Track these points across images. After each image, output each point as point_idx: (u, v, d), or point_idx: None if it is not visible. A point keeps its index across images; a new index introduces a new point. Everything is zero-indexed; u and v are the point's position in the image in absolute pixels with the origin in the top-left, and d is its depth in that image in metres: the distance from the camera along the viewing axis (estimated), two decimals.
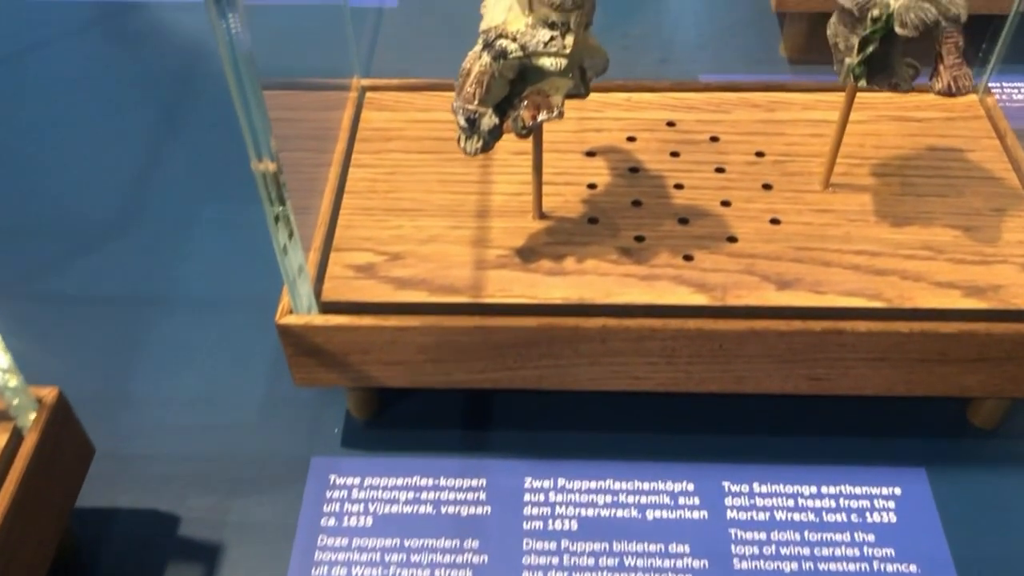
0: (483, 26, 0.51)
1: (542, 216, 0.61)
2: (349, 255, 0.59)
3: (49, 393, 0.53)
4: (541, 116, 0.52)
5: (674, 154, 0.65)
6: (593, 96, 0.68)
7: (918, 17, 0.50)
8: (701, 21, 0.98)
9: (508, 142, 0.64)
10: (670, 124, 0.68)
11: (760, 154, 0.65)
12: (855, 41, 0.52)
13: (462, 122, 0.52)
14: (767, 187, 0.63)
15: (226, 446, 0.64)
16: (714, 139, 0.66)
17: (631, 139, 0.67)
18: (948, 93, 0.52)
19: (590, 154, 0.66)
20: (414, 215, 0.62)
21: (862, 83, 0.54)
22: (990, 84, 0.69)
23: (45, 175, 0.84)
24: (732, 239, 0.60)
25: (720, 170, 0.64)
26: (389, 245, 0.60)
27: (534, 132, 0.55)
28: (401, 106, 0.70)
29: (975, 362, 0.57)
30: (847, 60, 0.53)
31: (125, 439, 0.65)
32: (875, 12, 0.51)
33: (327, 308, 0.57)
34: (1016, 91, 0.89)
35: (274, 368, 0.68)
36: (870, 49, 0.52)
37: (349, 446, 0.64)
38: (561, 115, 0.52)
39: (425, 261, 0.59)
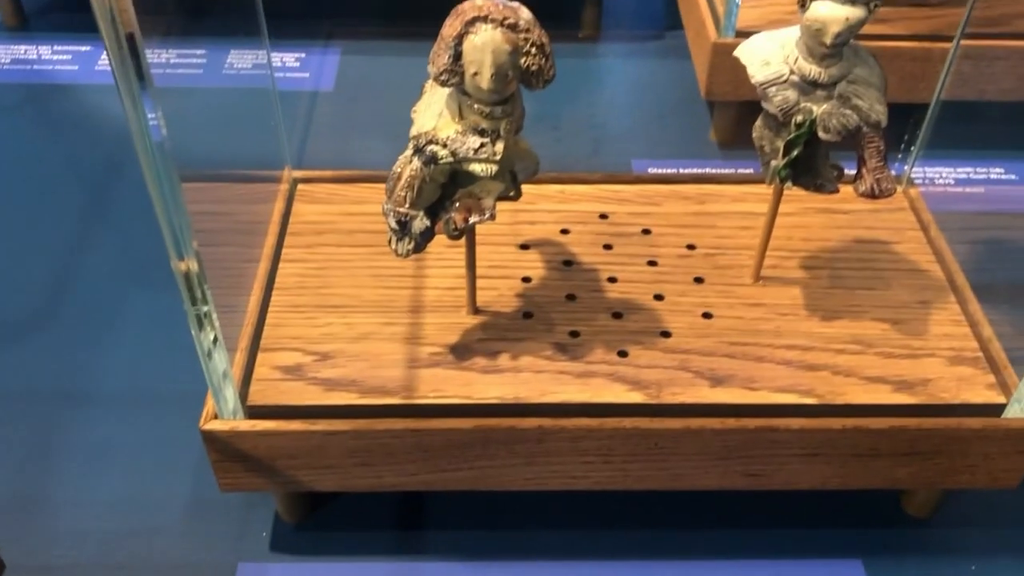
0: (413, 131, 0.50)
1: (476, 311, 0.61)
2: (277, 355, 0.58)
3: None
4: (473, 219, 0.51)
5: (607, 247, 0.66)
6: (526, 189, 0.68)
7: (840, 123, 0.51)
8: (632, 108, 1.00)
9: (442, 237, 0.63)
10: (603, 216, 0.68)
11: (691, 247, 0.66)
12: (780, 144, 0.53)
13: (393, 224, 0.52)
14: (699, 280, 0.63)
15: (149, 552, 0.61)
16: (646, 231, 0.67)
17: (564, 231, 0.67)
18: (871, 195, 0.53)
19: (524, 247, 0.66)
20: (345, 312, 0.61)
21: (788, 184, 0.55)
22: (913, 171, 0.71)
23: None
24: (666, 334, 0.60)
25: (652, 263, 0.64)
26: (319, 344, 0.59)
27: (466, 233, 0.54)
28: (334, 198, 0.69)
29: (906, 456, 0.57)
30: (773, 163, 0.54)
31: (40, 548, 0.61)
32: (799, 118, 0.52)
33: (253, 413, 0.55)
34: (938, 176, 0.92)
35: (200, 469, 0.66)
36: (795, 152, 0.53)
37: (278, 551, 0.62)
38: (493, 217, 0.52)
39: (356, 360, 0.58)
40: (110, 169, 0.91)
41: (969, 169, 0.93)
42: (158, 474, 0.66)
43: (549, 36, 0.47)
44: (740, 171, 0.73)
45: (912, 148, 0.71)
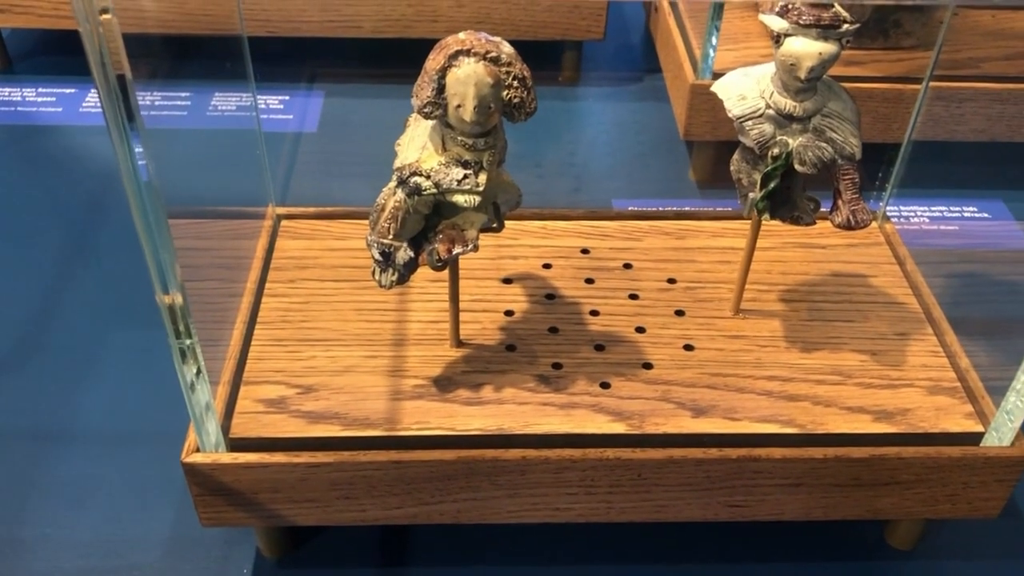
0: (397, 163, 0.51)
1: (459, 344, 0.61)
2: (260, 388, 0.58)
3: None
4: (456, 250, 0.52)
5: (589, 281, 0.66)
6: (509, 224, 0.69)
7: (815, 155, 0.53)
8: (613, 149, 1.01)
9: (426, 270, 0.64)
10: (584, 251, 0.69)
11: (672, 281, 0.66)
12: (757, 177, 0.54)
13: (377, 256, 0.52)
14: (679, 313, 0.64)
15: None
16: (627, 266, 0.68)
17: (547, 266, 0.67)
18: (847, 227, 0.54)
19: (507, 281, 0.66)
20: (328, 345, 0.61)
21: (765, 216, 0.56)
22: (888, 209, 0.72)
23: None
24: (648, 366, 0.60)
25: (634, 296, 0.65)
26: (302, 377, 0.59)
27: (450, 264, 0.55)
28: (317, 234, 0.70)
29: (887, 485, 0.57)
30: (751, 195, 0.55)
31: None
32: (775, 150, 0.53)
33: (236, 445, 0.55)
34: (913, 214, 0.94)
35: (180, 506, 0.65)
36: (772, 185, 0.54)
37: None
38: (476, 248, 0.52)
39: (339, 393, 0.58)
40: (92, 208, 0.91)
41: (943, 207, 0.95)
42: (137, 512, 0.65)
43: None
44: (719, 208, 0.74)
45: (887, 186, 0.73)
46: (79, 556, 0.63)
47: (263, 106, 1.04)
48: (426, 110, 0.48)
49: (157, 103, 1.04)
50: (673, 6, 1.01)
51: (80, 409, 0.72)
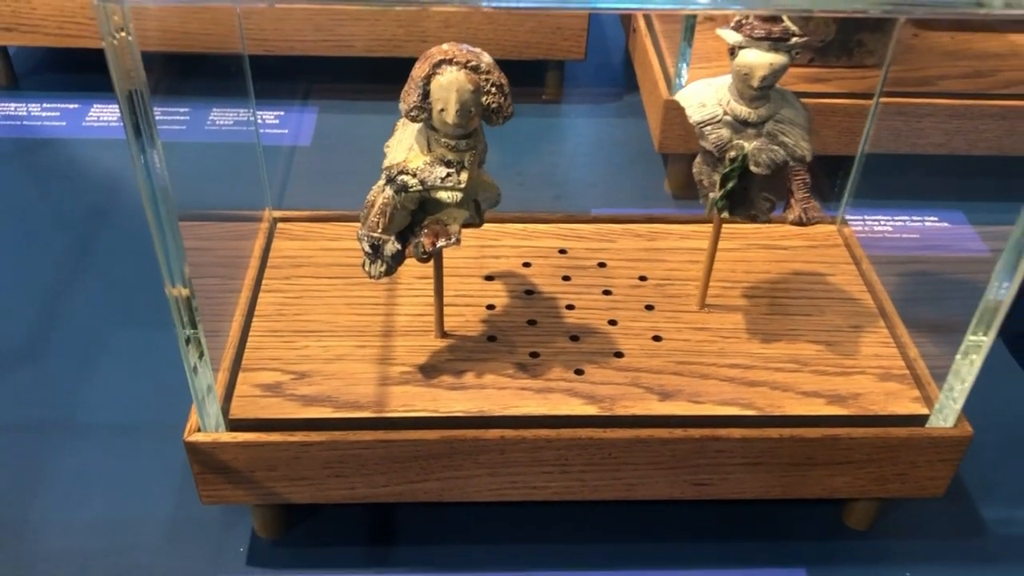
0: (386, 163, 0.56)
1: (444, 335, 0.65)
2: (257, 375, 0.62)
3: None
4: (440, 243, 0.57)
5: (566, 278, 0.71)
6: (491, 226, 0.74)
7: (769, 157, 0.58)
8: (592, 162, 1.06)
9: (412, 268, 0.68)
10: (562, 252, 0.73)
11: (643, 278, 0.71)
12: (717, 178, 0.59)
13: (367, 248, 0.57)
14: (649, 308, 0.68)
15: (130, 568, 0.64)
16: (602, 265, 0.72)
17: (526, 265, 0.72)
18: (800, 223, 0.59)
19: (489, 278, 0.71)
20: (321, 336, 0.65)
21: (725, 214, 0.60)
22: (847, 216, 0.77)
23: None
24: (619, 355, 0.65)
25: (607, 292, 0.70)
26: (296, 365, 0.63)
27: (434, 257, 0.59)
28: (311, 236, 0.74)
29: (840, 464, 0.62)
30: (711, 195, 0.60)
31: (26, 565, 0.64)
32: (732, 153, 0.58)
33: (234, 426, 0.59)
34: (877, 223, 0.99)
35: (180, 491, 0.69)
36: (730, 185, 0.59)
37: (255, 565, 0.65)
38: (458, 242, 0.57)
39: (331, 379, 0.62)
40: (94, 216, 0.95)
41: (906, 217, 1.00)
42: (139, 497, 0.69)
43: (515, 97, 0.53)
44: (688, 213, 0.79)
45: (844, 194, 0.78)
46: (83, 537, 0.66)
47: (260, 121, 1.08)
48: (412, 114, 0.53)
49: (158, 118, 1.08)
50: (650, 28, 1.06)
51: (84, 403, 0.76)
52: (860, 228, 0.96)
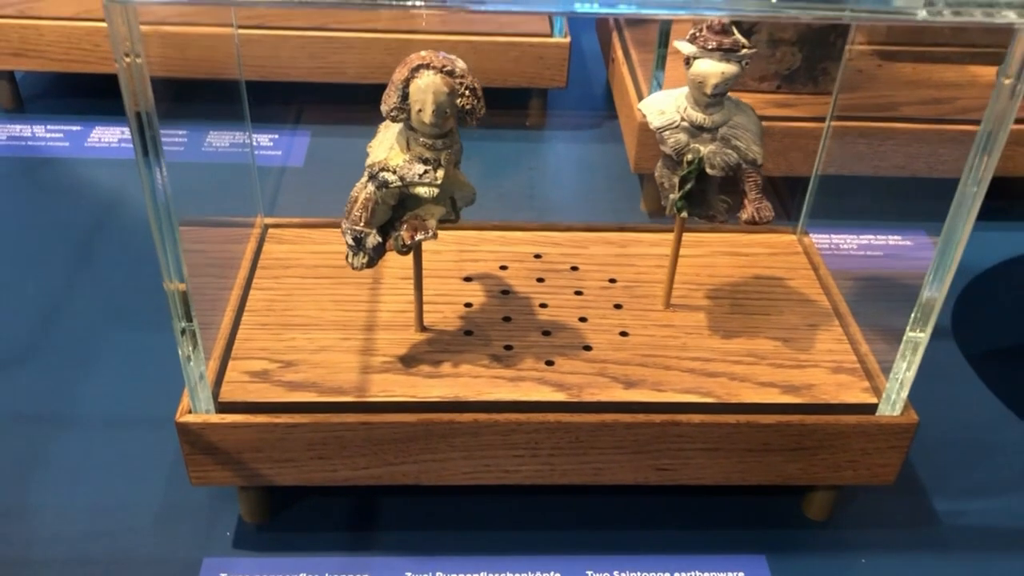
0: (368, 161, 0.60)
1: (423, 329, 0.69)
2: (246, 363, 0.66)
3: None
4: (418, 236, 0.61)
5: (540, 280, 0.75)
6: (471, 232, 0.79)
7: (723, 160, 0.62)
8: (571, 184, 1.11)
9: (395, 268, 0.73)
10: (537, 256, 0.78)
11: (613, 280, 0.75)
12: (676, 180, 0.64)
13: (350, 241, 0.61)
14: (618, 307, 0.73)
15: (121, 550, 0.68)
16: (574, 268, 0.77)
17: (503, 267, 0.76)
18: (753, 222, 0.64)
19: (467, 279, 0.75)
20: (307, 329, 0.69)
21: (684, 214, 0.65)
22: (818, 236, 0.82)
23: None
24: (588, 348, 0.69)
25: (579, 293, 0.74)
26: (283, 354, 0.67)
27: (413, 250, 0.64)
28: (301, 240, 0.78)
29: (795, 451, 0.66)
30: (671, 196, 0.65)
31: (21, 546, 0.67)
32: (689, 156, 0.62)
33: (223, 408, 0.63)
34: (843, 241, 1.03)
35: (169, 478, 0.73)
36: (688, 186, 0.63)
37: (241, 548, 0.68)
38: (435, 236, 0.61)
39: (316, 368, 0.66)
40: (94, 229, 0.99)
41: (871, 236, 1.04)
42: (130, 484, 0.72)
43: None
44: (659, 223, 0.83)
45: (802, 208, 0.82)
46: (77, 521, 0.70)
47: (255, 143, 1.13)
48: (392, 114, 0.57)
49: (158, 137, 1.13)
50: (627, 57, 1.12)
51: (81, 398, 0.80)
52: (821, 241, 1.00)
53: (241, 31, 1.11)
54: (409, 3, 0.51)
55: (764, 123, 1.01)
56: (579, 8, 0.51)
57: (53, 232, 0.99)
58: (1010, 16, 0.50)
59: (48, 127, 1.16)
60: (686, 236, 0.75)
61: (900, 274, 0.97)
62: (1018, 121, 1.05)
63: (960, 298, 0.96)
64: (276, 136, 1.16)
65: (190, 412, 0.62)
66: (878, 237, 1.04)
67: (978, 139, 0.55)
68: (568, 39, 1.13)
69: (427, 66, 0.56)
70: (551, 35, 1.14)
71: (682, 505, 0.72)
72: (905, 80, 1.09)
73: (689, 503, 0.72)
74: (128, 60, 0.49)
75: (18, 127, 1.16)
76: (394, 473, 0.65)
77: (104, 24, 0.48)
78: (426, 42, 1.11)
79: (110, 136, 1.13)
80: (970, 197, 0.57)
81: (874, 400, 0.66)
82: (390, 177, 0.59)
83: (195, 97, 1.17)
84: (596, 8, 0.52)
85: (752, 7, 0.55)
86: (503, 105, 1.19)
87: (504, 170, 1.11)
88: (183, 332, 0.60)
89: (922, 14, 0.52)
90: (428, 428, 0.63)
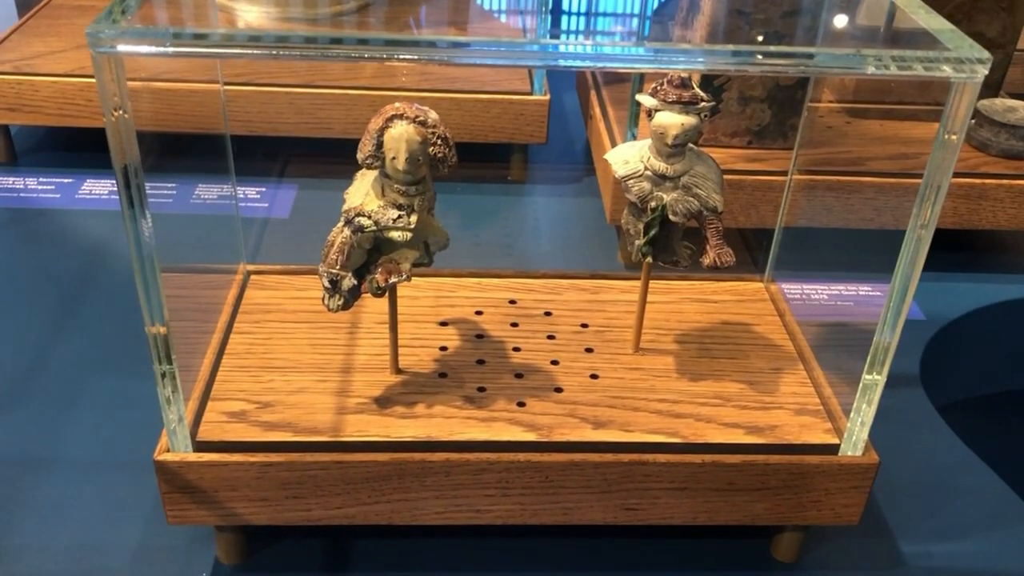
0: (345, 207, 0.63)
1: (398, 371, 0.71)
2: (224, 404, 0.68)
3: None
4: (392, 279, 0.63)
5: (514, 324, 0.77)
6: (447, 280, 0.81)
7: (685, 208, 0.65)
8: (549, 236, 1.14)
9: (372, 313, 0.75)
10: (512, 302, 0.80)
11: (585, 325, 0.78)
12: (640, 227, 0.66)
13: (326, 283, 0.63)
14: (589, 350, 0.75)
15: None
16: (547, 314, 0.79)
17: (479, 313, 0.78)
18: (715, 267, 0.66)
19: (443, 324, 0.77)
20: (285, 372, 0.71)
21: (649, 259, 0.67)
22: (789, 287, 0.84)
23: None
24: (559, 390, 0.70)
25: (551, 337, 0.76)
26: (261, 396, 0.68)
27: (388, 292, 0.66)
28: (281, 286, 0.81)
29: (759, 491, 0.67)
30: (636, 242, 0.67)
31: None
32: (652, 204, 0.65)
33: (201, 447, 0.64)
34: (814, 291, 1.06)
35: (148, 520, 0.74)
36: (652, 232, 0.66)
37: None
38: (409, 278, 0.64)
39: (292, 408, 0.67)
40: (82, 278, 1.02)
41: (842, 287, 1.07)
42: (109, 525, 0.73)
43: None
44: (630, 272, 0.86)
45: (768, 257, 0.85)
46: (55, 562, 0.70)
47: (241, 195, 1.16)
48: (368, 161, 0.60)
49: (148, 192, 1.16)
50: (604, 114, 1.16)
51: (63, 440, 0.81)
52: (792, 290, 1.03)
53: (231, 88, 1.15)
54: (386, 55, 0.54)
55: (735, 177, 1.05)
56: (533, 62, 0.54)
57: (42, 280, 1.01)
58: (946, 70, 0.54)
59: (40, 179, 1.18)
60: (656, 283, 0.77)
61: (862, 322, 0.99)
62: (983, 176, 1.10)
63: (928, 347, 0.98)
64: (263, 188, 1.19)
65: (168, 451, 0.64)
66: (846, 287, 1.07)
67: (921, 188, 0.58)
68: (548, 96, 1.17)
69: (401, 116, 0.59)
70: (531, 92, 1.18)
71: (653, 547, 0.74)
72: (873, 136, 1.13)
73: (660, 545, 0.74)
74: (116, 114, 0.52)
75: (11, 179, 1.18)
76: (367, 513, 0.66)
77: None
78: (410, 99, 1.15)
79: (101, 188, 1.16)
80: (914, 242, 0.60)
81: (836, 440, 0.67)
82: (365, 222, 0.61)
83: (185, 151, 1.21)
84: (555, 61, 0.55)
85: (711, 61, 0.58)
86: (486, 159, 1.22)
87: (484, 221, 1.13)
88: (163, 375, 0.61)
89: (871, 68, 0.55)
90: (401, 467, 0.64)
